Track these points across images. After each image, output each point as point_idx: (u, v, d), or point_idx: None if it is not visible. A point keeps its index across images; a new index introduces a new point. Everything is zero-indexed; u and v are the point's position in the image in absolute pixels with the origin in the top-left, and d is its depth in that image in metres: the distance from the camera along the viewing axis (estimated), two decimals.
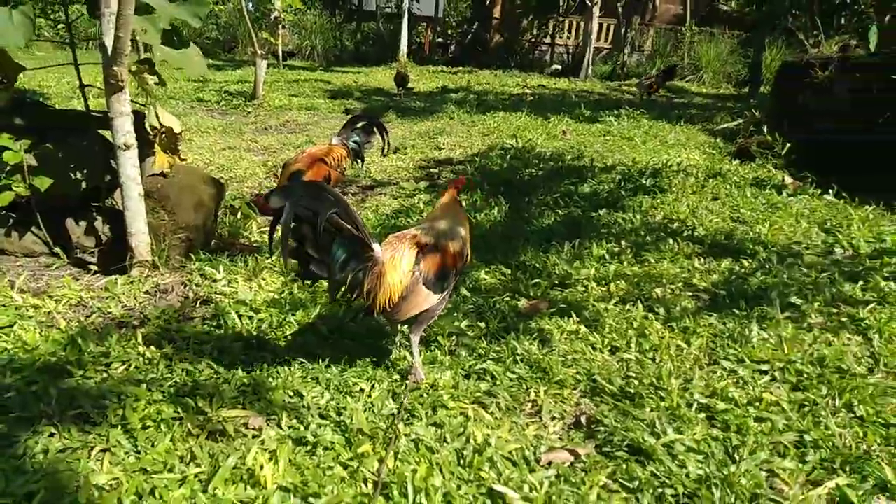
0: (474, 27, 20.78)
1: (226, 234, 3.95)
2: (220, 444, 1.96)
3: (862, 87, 5.34)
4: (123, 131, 3.06)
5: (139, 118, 3.22)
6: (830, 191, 4.48)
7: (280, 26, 9.84)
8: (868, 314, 2.84)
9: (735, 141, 6.30)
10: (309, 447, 1.95)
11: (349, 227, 2.08)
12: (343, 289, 2.15)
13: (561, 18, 19.39)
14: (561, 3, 18.77)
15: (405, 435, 1.99)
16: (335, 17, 20.97)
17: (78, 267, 3.48)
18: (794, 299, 2.97)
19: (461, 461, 1.90)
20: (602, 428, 2.08)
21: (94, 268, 3.40)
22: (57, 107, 4.03)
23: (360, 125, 4.91)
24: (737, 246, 3.65)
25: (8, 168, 3.26)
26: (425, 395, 2.24)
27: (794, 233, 3.82)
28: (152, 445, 1.91)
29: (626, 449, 1.97)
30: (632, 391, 2.26)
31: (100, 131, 3.62)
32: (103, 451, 1.88)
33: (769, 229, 3.84)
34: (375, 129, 4.89)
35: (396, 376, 2.38)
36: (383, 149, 5.15)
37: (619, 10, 17.67)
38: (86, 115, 3.49)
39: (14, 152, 3.22)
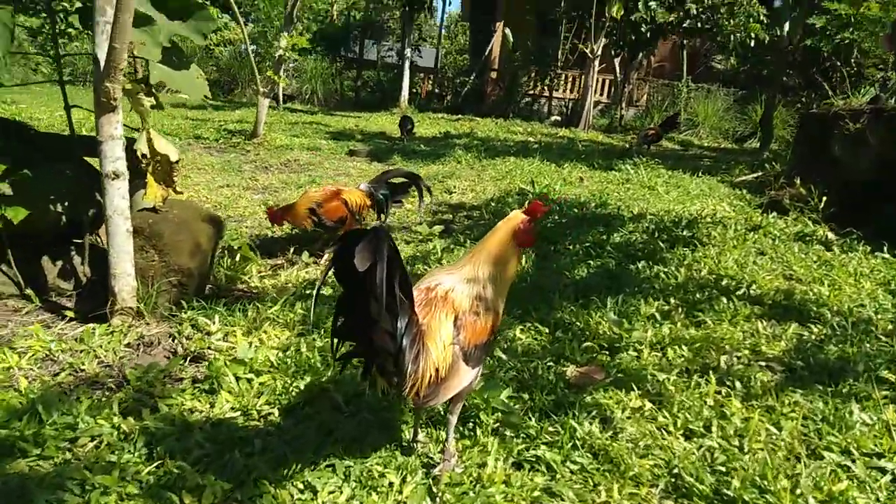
0: (472, 78, 20.92)
1: (222, 279, 3.51)
2: None
3: None
4: (113, 157, 2.65)
5: (130, 144, 2.82)
6: (884, 247, 4.11)
7: (283, 66, 9.60)
8: None
9: (763, 193, 5.98)
10: None
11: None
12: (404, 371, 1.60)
13: (559, 72, 19.57)
14: (559, 58, 19.02)
15: None
16: (335, 63, 21.04)
17: (51, 312, 3.03)
18: (885, 374, 2.55)
19: None
20: None
21: (70, 314, 2.94)
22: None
23: (394, 180, 4.49)
24: (798, 307, 3.24)
25: None
26: (471, 493, 1.78)
27: (857, 294, 3.42)
28: None
29: None
30: (730, 493, 1.81)
31: (86, 159, 3.23)
32: None
33: (830, 290, 3.45)
34: (414, 186, 4.48)
35: (427, 461, 1.93)
36: (419, 205, 4.77)
37: (616, 65, 17.80)
38: (70, 140, 3.09)
39: None
